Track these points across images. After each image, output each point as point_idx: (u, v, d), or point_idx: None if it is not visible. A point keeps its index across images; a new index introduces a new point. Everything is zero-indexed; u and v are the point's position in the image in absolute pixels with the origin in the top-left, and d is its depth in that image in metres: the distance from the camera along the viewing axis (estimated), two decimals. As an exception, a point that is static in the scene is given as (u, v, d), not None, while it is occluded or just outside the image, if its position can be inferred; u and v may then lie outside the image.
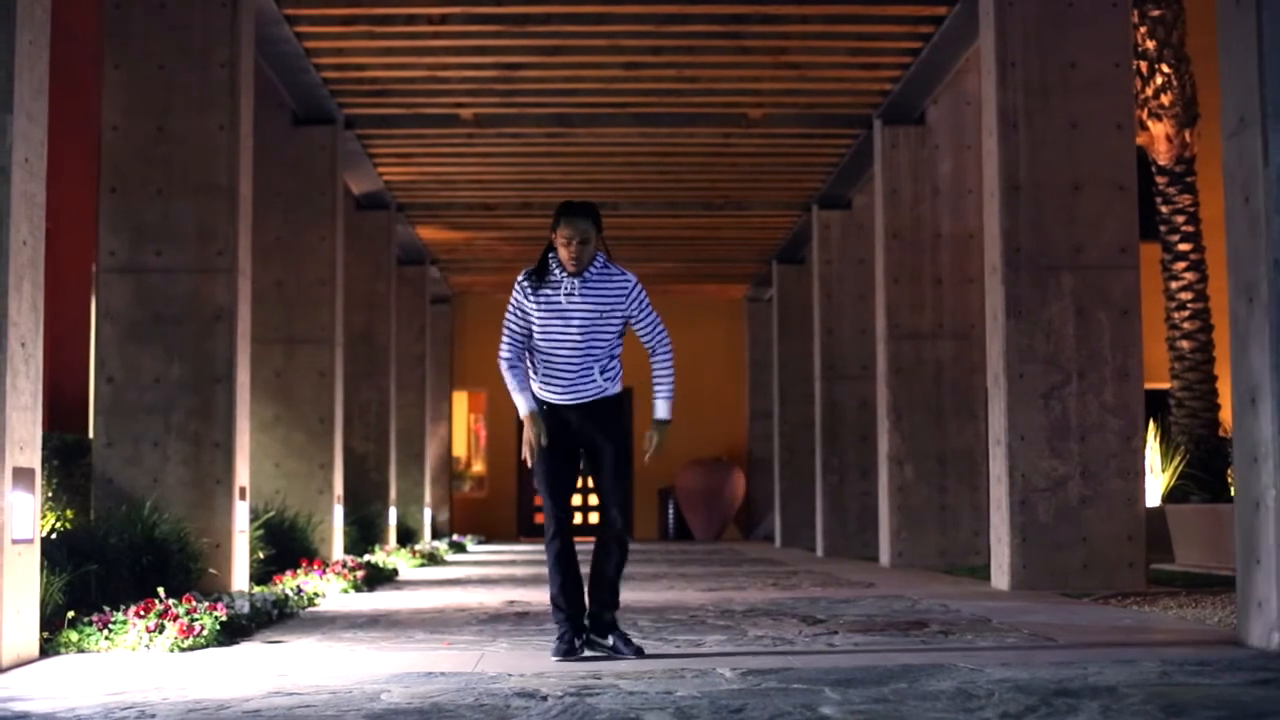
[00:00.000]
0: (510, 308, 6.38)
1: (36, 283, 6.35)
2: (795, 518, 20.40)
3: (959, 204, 13.91)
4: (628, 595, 6.51)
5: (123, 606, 7.16)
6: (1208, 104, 15.02)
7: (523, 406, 6.33)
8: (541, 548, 6.47)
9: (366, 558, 13.22)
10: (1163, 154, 15.61)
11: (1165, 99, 15.45)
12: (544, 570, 6.66)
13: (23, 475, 6.12)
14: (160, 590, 7.36)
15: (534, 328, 6.33)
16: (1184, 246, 15.48)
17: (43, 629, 6.57)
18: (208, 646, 6.82)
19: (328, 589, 10.37)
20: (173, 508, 9.33)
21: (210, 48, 9.86)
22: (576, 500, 26.23)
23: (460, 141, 15.47)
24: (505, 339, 6.38)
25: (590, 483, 6.48)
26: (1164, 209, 15.67)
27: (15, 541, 6.02)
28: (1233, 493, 7.65)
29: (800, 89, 13.97)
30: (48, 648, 6.55)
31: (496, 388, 27.25)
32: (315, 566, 10.75)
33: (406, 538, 18.67)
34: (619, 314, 6.32)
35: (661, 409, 6.42)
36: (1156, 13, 15.44)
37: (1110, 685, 4.97)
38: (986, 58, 10.28)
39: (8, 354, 6.00)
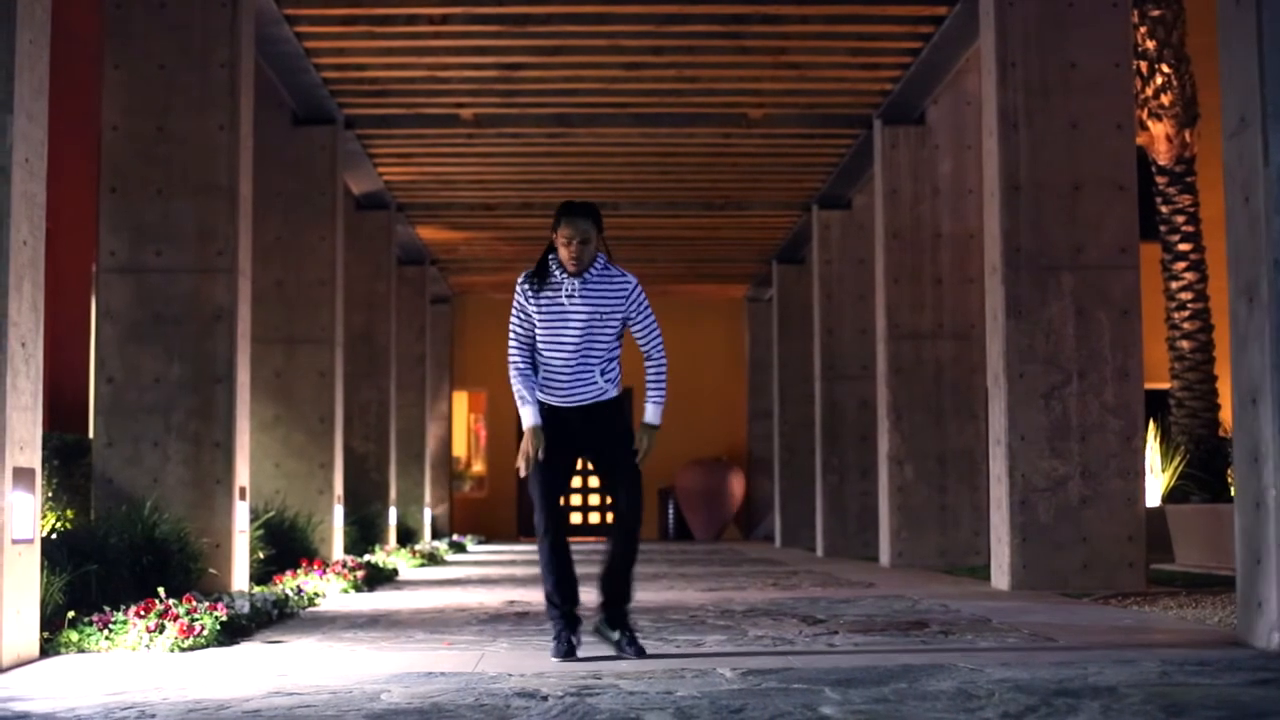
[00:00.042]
0: (513, 311, 6.38)
1: (37, 283, 6.35)
2: (795, 518, 20.40)
3: (959, 204, 13.91)
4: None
5: (123, 606, 7.16)
6: (1208, 104, 15.02)
7: (527, 418, 6.31)
8: (541, 548, 6.49)
9: (366, 558, 13.22)
10: (1163, 154, 15.61)
11: (1165, 99, 15.46)
12: (544, 570, 6.64)
13: (23, 475, 6.12)
14: (160, 590, 7.36)
15: (536, 329, 6.32)
16: (1184, 246, 15.49)
17: (43, 629, 6.57)
18: (208, 646, 6.82)
19: (328, 589, 10.37)
20: (173, 508, 9.33)
21: (210, 48, 9.86)
22: (575, 500, 26.35)
23: (460, 141, 15.47)
24: (512, 344, 6.36)
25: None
26: (1164, 209, 15.67)
27: (15, 541, 6.02)
28: (1233, 493, 7.65)
29: (800, 89, 13.97)
30: (48, 648, 6.55)
31: (496, 388, 27.31)
32: (315, 566, 10.75)
33: (406, 538, 18.67)
34: (618, 315, 6.32)
35: (652, 413, 6.40)
36: (1156, 13, 15.45)
37: (1110, 685, 4.97)
38: (987, 58, 10.28)
39: (8, 354, 6.00)
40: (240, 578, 9.63)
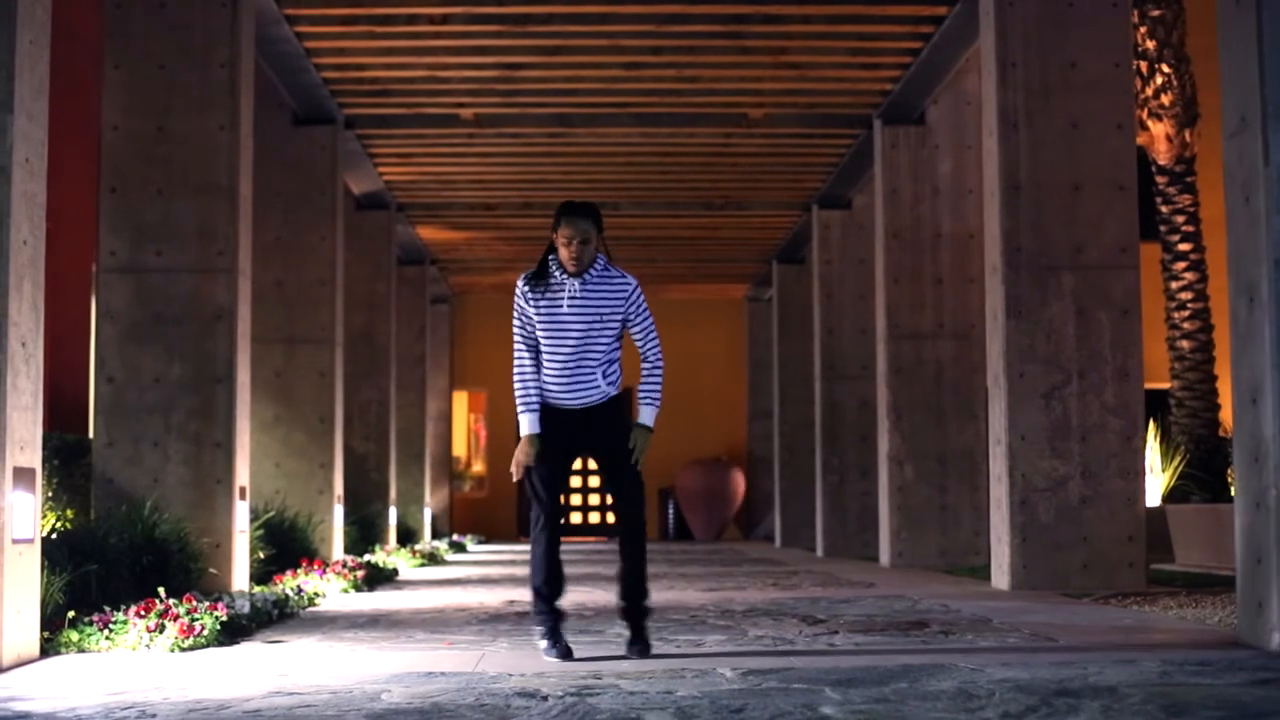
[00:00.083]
0: (514, 314, 6.38)
1: (37, 282, 6.35)
2: (795, 518, 20.40)
3: (959, 204, 13.91)
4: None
5: (123, 606, 7.16)
6: (1208, 104, 15.02)
7: (524, 426, 6.34)
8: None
9: (367, 558, 13.22)
10: (1163, 154, 15.61)
11: (1165, 99, 15.46)
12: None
13: (23, 475, 6.12)
14: (160, 590, 7.36)
15: (537, 330, 6.32)
16: (1184, 246, 15.49)
17: (43, 629, 6.57)
18: (208, 646, 6.82)
19: (328, 589, 10.37)
20: (173, 507, 9.33)
21: (210, 48, 9.86)
22: (575, 500, 26.36)
23: (461, 141, 15.47)
24: (517, 348, 6.36)
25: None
26: (1164, 209, 15.68)
27: (16, 541, 6.02)
28: (1233, 493, 7.65)
29: (801, 89, 13.97)
30: (48, 647, 6.55)
31: (496, 388, 27.31)
32: (315, 566, 10.75)
33: (406, 538, 18.67)
34: (619, 316, 6.32)
35: (646, 415, 6.39)
36: (1156, 13, 15.45)
37: (1111, 685, 4.97)
38: (987, 58, 10.29)
39: (8, 354, 6.00)
40: (240, 578, 9.63)
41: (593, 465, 6.54)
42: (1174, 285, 15.49)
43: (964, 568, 12.82)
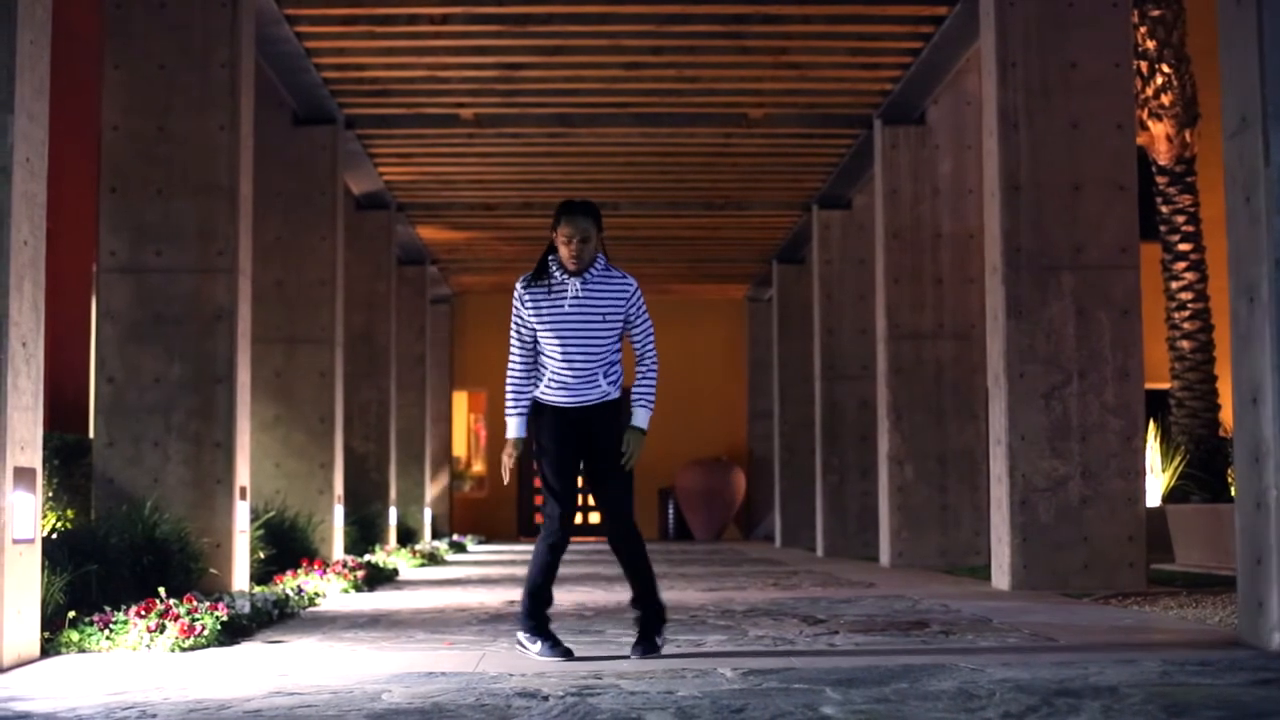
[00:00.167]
0: (513, 315, 6.38)
1: (37, 282, 6.35)
2: (795, 518, 20.41)
3: (959, 204, 13.91)
4: (628, 595, 6.51)
5: (124, 606, 7.15)
6: (1208, 104, 15.03)
7: (509, 429, 6.39)
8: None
9: (367, 558, 13.22)
10: (1163, 154, 15.62)
11: (1165, 99, 15.47)
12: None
13: (24, 475, 6.12)
14: (161, 590, 7.35)
15: (537, 331, 6.32)
16: (1184, 246, 15.50)
17: (44, 629, 6.56)
18: (209, 646, 6.82)
19: (328, 589, 10.37)
20: (173, 508, 9.34)
21: (211, 48, 9.86)
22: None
23: (461, 141, 15.47)
24: (512, 350, 6.37)
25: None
26: (1164, 209, 15.69)
27: (16, 541, 6.02)
28: (1233, 493, 7.65)
29: (801, 89, 13.97)
30: (49, 647, 6.55)
31: (497, 388, 27.14)
32: (316, 566, 10.75)
33: (407, 538, 18.68)
34: (619, 316, 6.32)
35: (640, 418, 6.39)
36: (1157, 13, 15.46)
37: (1111, 685, 4.97)
38: (987, 58, 10.28)
39: (9, 354, 6.00)
40: (241, 578, 9.63)
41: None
42: (1174, 285, 15.50)
43: (964, 568, 12.82)
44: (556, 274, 6.30)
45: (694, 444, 26.12)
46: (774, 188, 17.83)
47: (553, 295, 6.28)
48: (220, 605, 7.31)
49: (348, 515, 14.66)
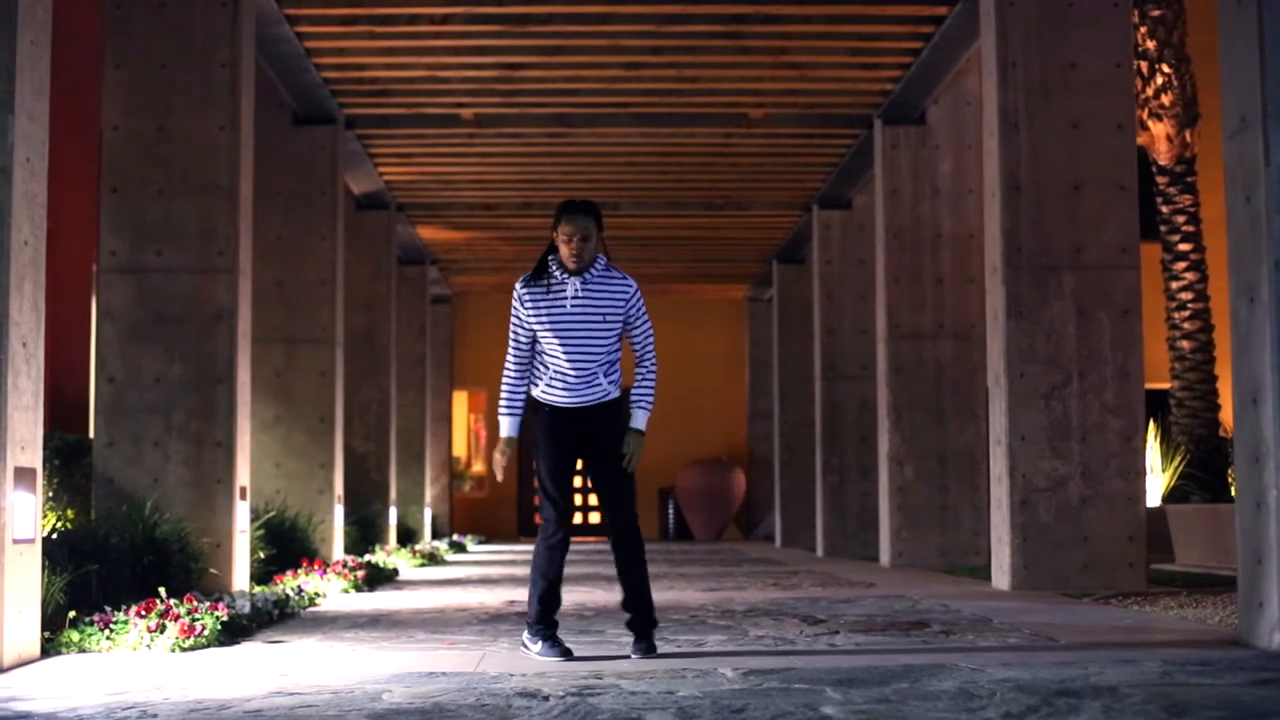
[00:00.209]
0: (512, 315, 6.38)
1: (38, 282, 6.35)
2: (795, 518, 20.40)
3: (959, 204, 13.91)
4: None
5: (124, 606, 7.16)
6: (1208, 104, 15.03)
7: (502, 428, 6.43)
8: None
9: (367, 558, 13.22)
10: (1163, 154, 15.62)
11: (1166, 99, 15.47)
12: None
13: (24, 475, 6.12)
14: (161, 590, 7.36)
15: (537, 332, 6.33)
16: (1184, 246, 15.50)
17: (44, 629, 6.57)
18: (209, 646, 6.82)
19: (328, 589, 10.37)
20: (173, 507, 9.34)
21: (211, 47, 9.86)
22: (576, 500, 26.36)
23: (461, 141, 15.47)
24: (510, 350, 6.39)
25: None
26: (1164, 209, 15.69)
27: (16, 541, 6.02)
28: (1233, 493, 7.66)
29: (801, 89, 13.97)
30: (49, 647, 6.55)
31: (497, 388, 27.11)
32: (316, 566, 10.75)
33: (407, 538, 18.68)
34: (619, 316, 6.33)
35: (639, 419, 6.40)
36: (1157, 13, 15.46)
37: (1112, 685, 4.97)
38: (987, 58, 10.29)
39: (9, 354, 6.00)
40: (241, 578, 9.63)
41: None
42: (1174, 285, 15.50)
43: (964, 568, 12.82)
44: (556, 273, 6.30)
45: (694, 444, 26.12)
46: (774, 188, 17.82)
47: (552, 295, 6.28)
48: (220, 605, 7.31)
49: (348, 515, 14.66)
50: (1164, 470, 14.63)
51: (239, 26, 9.91)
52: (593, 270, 6.30)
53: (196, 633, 6.75)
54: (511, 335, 6.38)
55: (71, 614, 6.84)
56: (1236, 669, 5.38)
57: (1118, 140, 9.98)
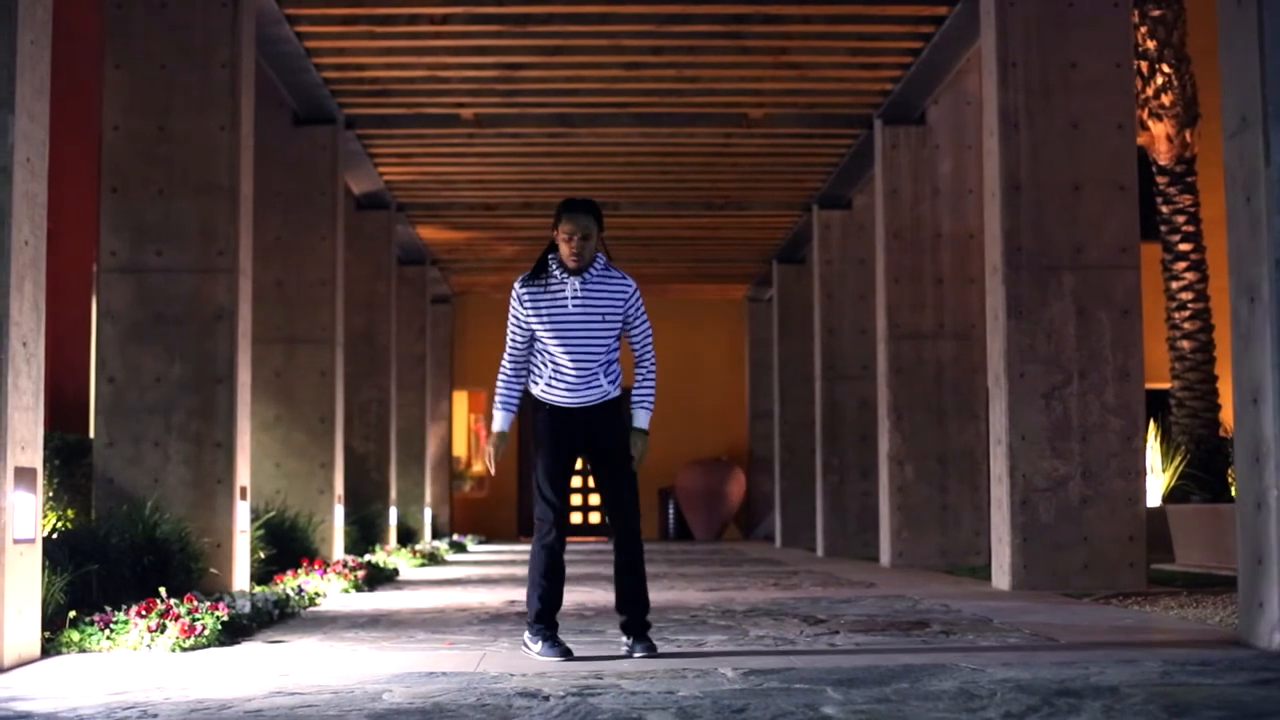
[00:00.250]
0: (510, 314, 6.39)
1: (38, 282, 6.35)
2: (795, 518, 20.40)
3: (959, 204, 13.91)
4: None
5: (124, 606, 7.16)
6: (1208, 104, 15.03)
7: (494, 423, 6.45)
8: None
9: (367, 558, 13.22)
10: (1163, 154, 15.62)
11: (1166, 99, 15.47)
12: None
13: (24, 475, 6.12)
14: (161, 590, 7.36)
15: (536, 331, 6.33)
16: (1184, 246, 15.50)
17: (44, 629, 6.57)
18: (209, 646, 6.82)
19: (328, 589, 10.37)
20: (174, 507, 9.34)
21: (211, 48, 9.86)
22: (576, 500, 26.35)
23: (461, 141, 15.47)
24: (507, 350, 6.43)
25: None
26: (1164, 209, 15.69)
27: (17, 541, 6.02)
28: (1234, 493, 7.66)
29: (801, 89, 13.97)
30: (49, 647, 6.55)
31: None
32: (316, 566, 10.75)
33: (407, 538, 18.68)
34: (619, 315, 6.33)
35: (642, 419, 6.41)
36: (1157, 13, 15.45)
37: (1112, 685, 4.97)
38: (987, 58, 10.29)
39: (9, 354, 6.00)
40: (241, 577, 9.63)
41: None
42: (1174, 285, 15.50)
43: (964, 568, 12.82)
44: (556, 273, 6.31)
45: (694, 444, 26.12)
46: (774, 188, 17.83)
47: (552, 294, 6.28)
48: (221, 605, 7.31)
49: (348, 515, 14.66)
50: (1164, 470, 14.63)
51: (239, 26, 9.91)
52: (592, 270, 6.30)
53: (197, 633, 6.75)
54: (509, 334, 6.40)
55: (72, 614, 6.84)
56: (1237, 669, 5.38)
57: (1118, 140, 9.98)
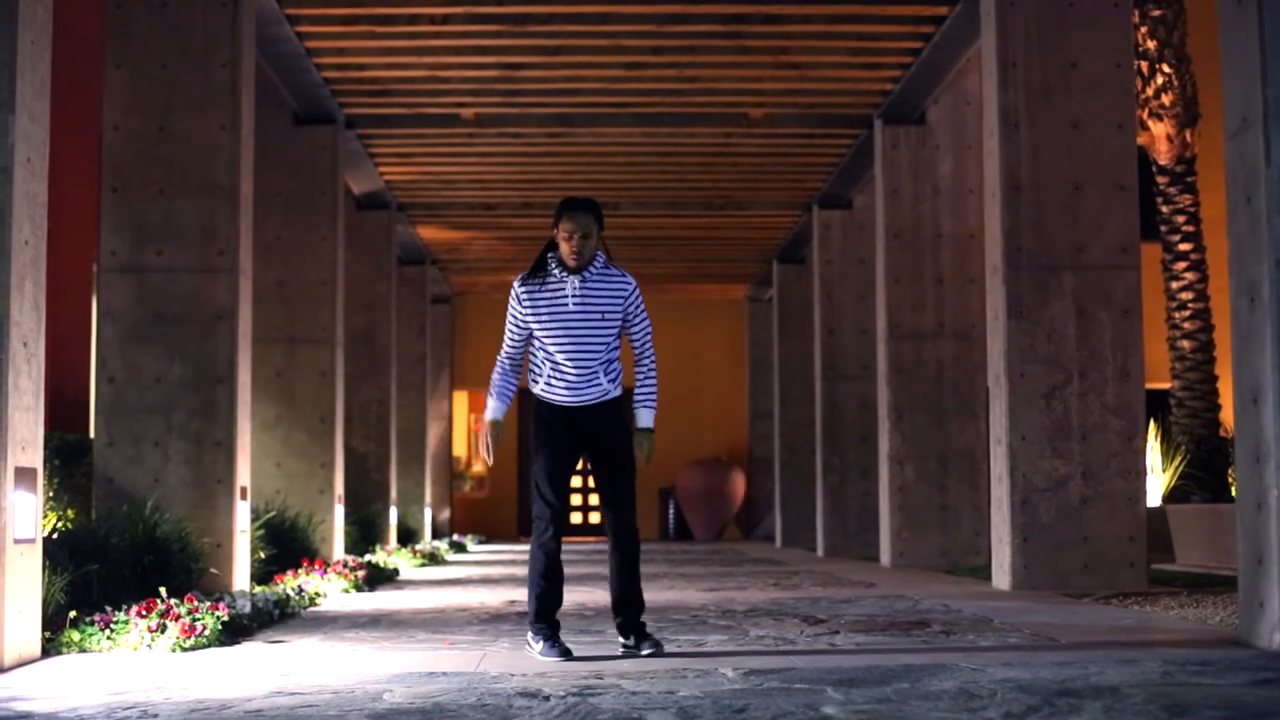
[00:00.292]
0: (509, 313, 6.40)
1: (39, 282, 6.35)
2: (796, 518, 20.40)
3: (960, 204, 13.91)
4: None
5: (124, 606, 7.16)
6: (1208, 104, 15.03)
7: (488, 411, 6.51)
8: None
9: (367, 557, 13.22)
10: (1163, 154, 15.62)
11: (1166, 99, 15.47)
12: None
13: (25, 475, 6.12)
14: (162, 590, 7.36)
15: (535, 330, 6.33)
16: (1185, 246, 15.50)
17: (45, 629, 6.57)
18: (209, 646, 6.82)
19: (329, 589, 10.37)
20: (174, 507, 9.34)
21: (212, 47, 9.86)
22: (575, 500, 26.35)
23: (461, 141, 15.47)
24: (504, 347, 6.47)
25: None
26: (1165, 209, 15.69)
27: (17, 541, 6.02)
28: (1234, 493, 7.66)
29: (801, 89, 13.97)
30: (50, 647, 6.55)
31: (497, 388, 27.18)
32: (316, 566, 10.75)
33: (407, 537, 18.68)
34: (618, 314, 6.33)
35: (646, 418, 6.42)
36: (1157, 13, 15.46)
37: (1112, 685, 4.97)
38: (988, 58, 10.29)
39: (10, 354, 6.00)
40: (241, 577, 9.63)
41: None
42: (1175, 285, 15.50)
43: (965, 568, 12.82)
44: (556, 271, 6.31)
45: (694, 444, 26.12)
46: (774, 188, 17.83)
47: (552, 293, 6.29)
48: (221, 605, 7.31)
49: (348, 515, 14.67)
50: (1164, 470, 14.63)
51: (239, 26, 9.91)
52: (592, 268, 6.30)
53: (197, 632, 6.75)
54: (507, 332, 6.41)
55: (72, 614, 6.84)
56: (1237, 669, 5.38)
57: (1118, 140, 9.98)
